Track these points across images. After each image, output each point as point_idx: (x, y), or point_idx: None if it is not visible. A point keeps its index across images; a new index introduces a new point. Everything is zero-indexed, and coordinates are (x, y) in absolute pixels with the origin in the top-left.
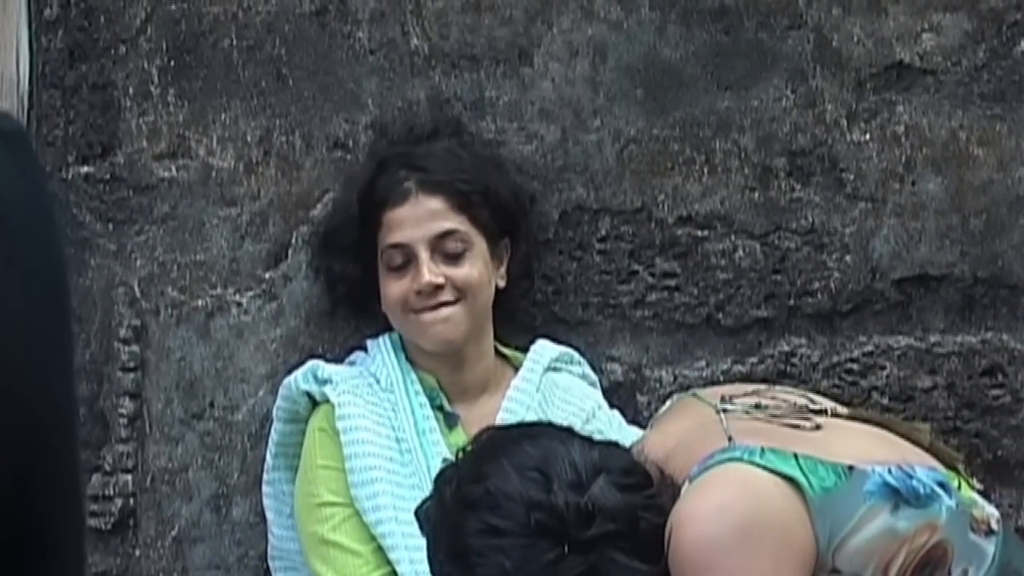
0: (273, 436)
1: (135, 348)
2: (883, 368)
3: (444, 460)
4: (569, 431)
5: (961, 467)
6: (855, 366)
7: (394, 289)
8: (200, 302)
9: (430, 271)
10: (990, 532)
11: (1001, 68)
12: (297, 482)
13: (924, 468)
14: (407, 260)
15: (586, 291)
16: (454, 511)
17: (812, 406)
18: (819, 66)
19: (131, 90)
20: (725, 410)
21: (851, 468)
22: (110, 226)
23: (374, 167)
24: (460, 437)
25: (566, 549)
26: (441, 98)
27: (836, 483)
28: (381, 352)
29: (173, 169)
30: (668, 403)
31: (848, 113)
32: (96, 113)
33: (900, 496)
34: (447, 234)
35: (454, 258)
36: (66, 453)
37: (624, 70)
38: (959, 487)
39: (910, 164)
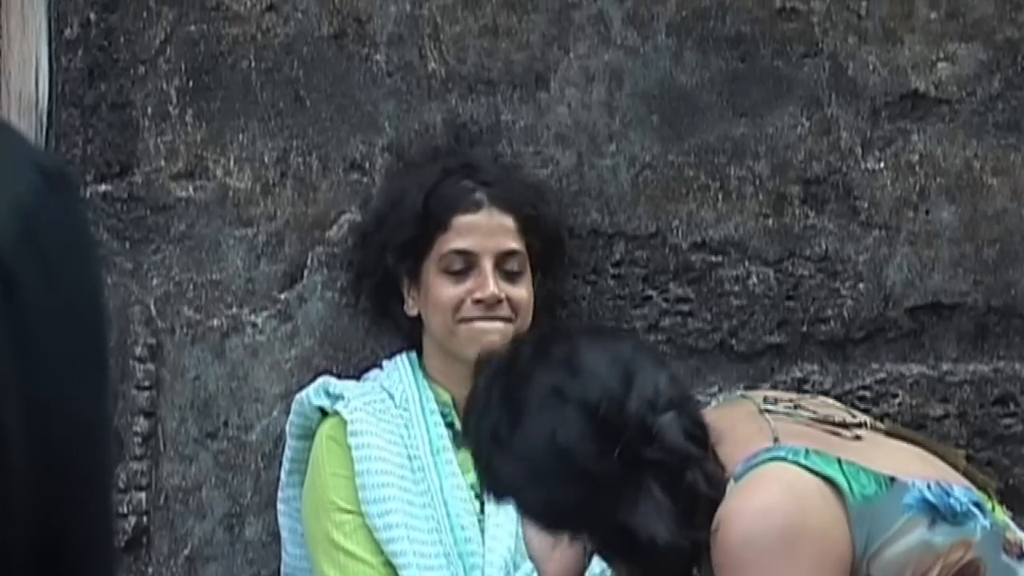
0: (287, 452)
1: (150, 367)
2: (895, 396)
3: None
4: (665, 362)
5: (993, 492)
6: (867, 393)
7: (450, 292)
8: (215, 322)
9: (496, 283)
10: (1022, 555)
11: (1016, 98)
12: (305, 488)
13: (961, 487)
14: (467, 267)
15: (600, 315)
16: (531, 360)
17: (850, 419)
18: (834, 94)
19: (149, 110)
20: (768, 410)
21: (892, 479)
22: (127, 245)
23: (438, 171)
24: (468, 456)
25: (616, 452)
26: (458, 122)
27: (877, 492)
28: (399, 369)
29: (190, 189)
30: (714, 401)
31: (863, 141)
32: (114, 132)
33: (938, 512)
34: (511, 253)
35: (512, 277)
36: (100, 479)
37: (640, 96)
38: (992, 509)
39: (924, 193)
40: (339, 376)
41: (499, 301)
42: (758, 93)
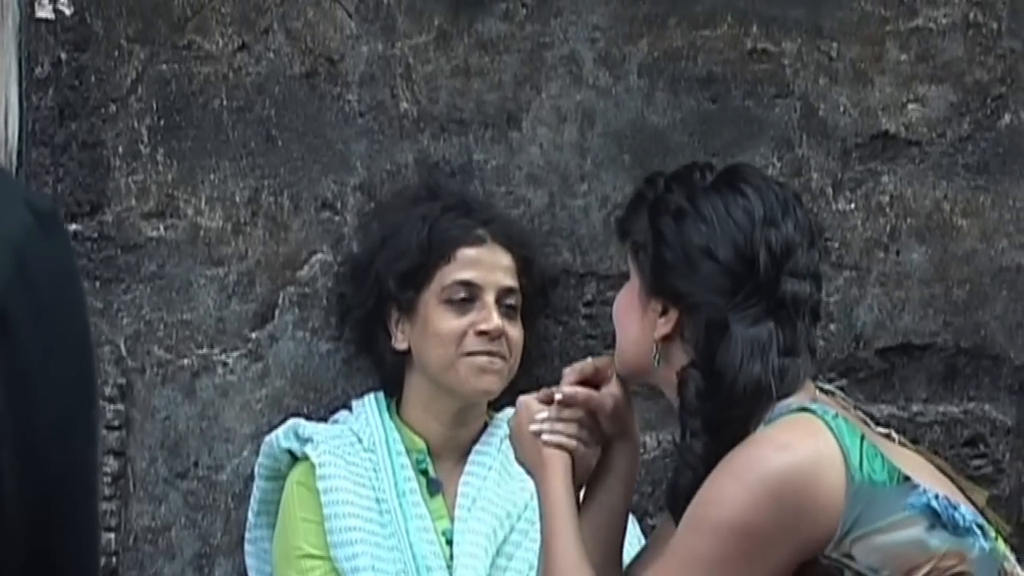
0: (255, 494)
1: (120, 407)
2: None
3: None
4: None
5: (1005, 535)
6: None
7: (452, 324)
8: (186, 361)
9: (499, 317)
10: None
11: (985, 140)
12: (276, 534)
13: (969, 508)
14: (469, 299)
15: (571, 355)
16: (714, 180)
17: (875, 428)
18: (805, 135)
19: (120, 149)
20: (819, 387)
21: (907, 478)
22: (97, 284)
23: (438, 207)
24: (440, 504)
25: (753, 285)
26: (429, 161)
27: (885, 482)
28: (366, 411)
29: (161, 228)
30: None
31: (834, 182)
32: (85, 172)
33: (939, 519)
34: (510, 290)
35: (509, 315)
36: (86, 515)
37: (612, 136)
38: (996, 539)
39: (894, 234)
40: (309, 417)
41: (501, 335)
42: (729, 134)
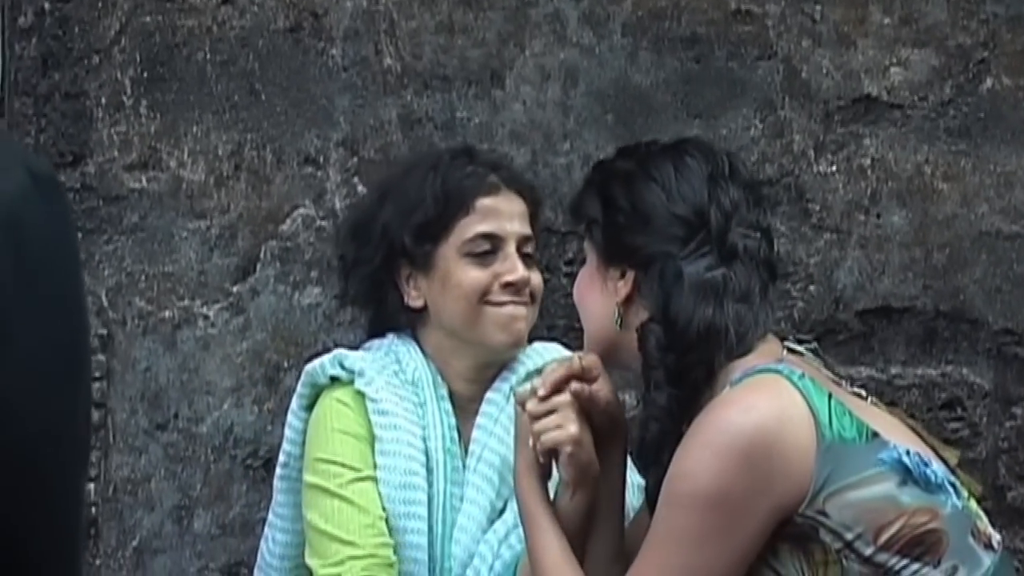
0: (295, 424)
1: (101, 358)
2: None
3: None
4: None
5: (976, 495)
6: None
7: (477, 275)
8: (167, 313)
9: (523, 266)
10: (989, 546)
11: (967, 104)
12: (306, 452)
13: (940, 465)
14: (491, 250)
15: (552, 313)
16: (660, 148)
17: (846, 387)
18: (788, 97)
19: (103, 100)
20: (788, 347)
21: (876, 434)
22: (79, 235)
23: (446, 156)
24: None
25: (705, 234)
26: (412, 117)
27: (855, 439)
28: (402, 347)
29: (143, 180)
30: None
31: (815, 144)
32: (68, 122)
33: (910, 475)
34: (528, 239)
35: (528, 261)
36: (68, 479)
37: (595, 95)
38: (968, 498)
39: (875, 197)
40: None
41: (527, 285)
42: (712, 94)
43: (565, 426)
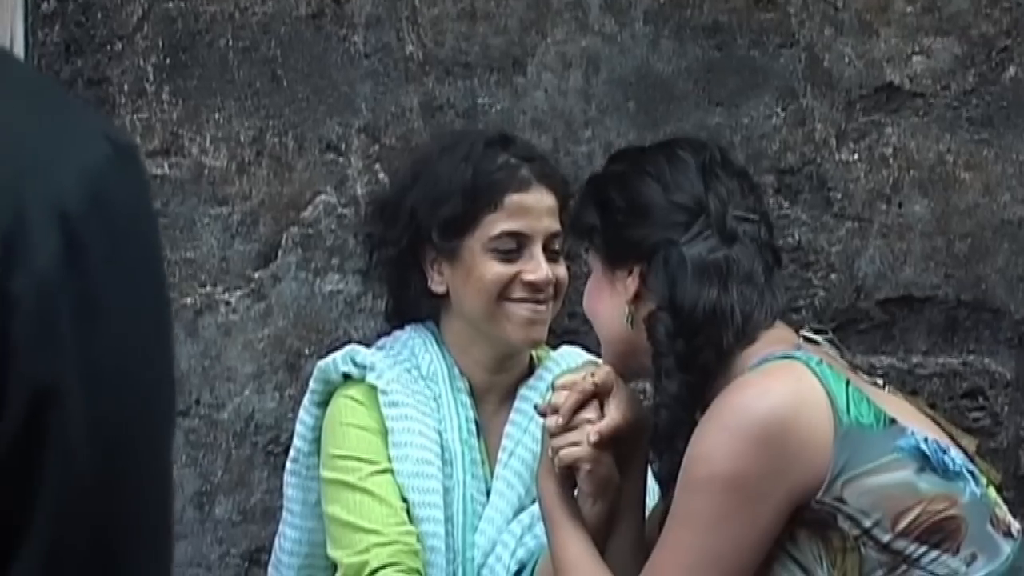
0: (307, 420)
1: None
2: None
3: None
4: None
5: (995, 483)
6: None
7: (499, 272)
8: (189, 300)
9: (547, 265)
10: (1008, 534)
11: (990, 93)
12: (321, 449)
13: (959, 452)
14: (517, 248)
15: (573, 300)
16: (651, 147)
17: (863, 376)
18: (810, 85)
19: (126, 87)
20: (804, 336)
21: (893, 421)
22: None
23: (480, 144)
24: (482, 448)
25: (705, 220)
26: (434, 104)
27: (872, 425)
28: (419, 340)
29: (166, 166)
30: None
31: (837, 133)
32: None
33: (928, 462)
34: (556, 235)
35: (554, 257)
36: (156, 454)
37: (616, 83)
38: (987, 486)
39: (897, 185)
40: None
41: (549, 284)
42: (734, 83)
43: (583, 443)
